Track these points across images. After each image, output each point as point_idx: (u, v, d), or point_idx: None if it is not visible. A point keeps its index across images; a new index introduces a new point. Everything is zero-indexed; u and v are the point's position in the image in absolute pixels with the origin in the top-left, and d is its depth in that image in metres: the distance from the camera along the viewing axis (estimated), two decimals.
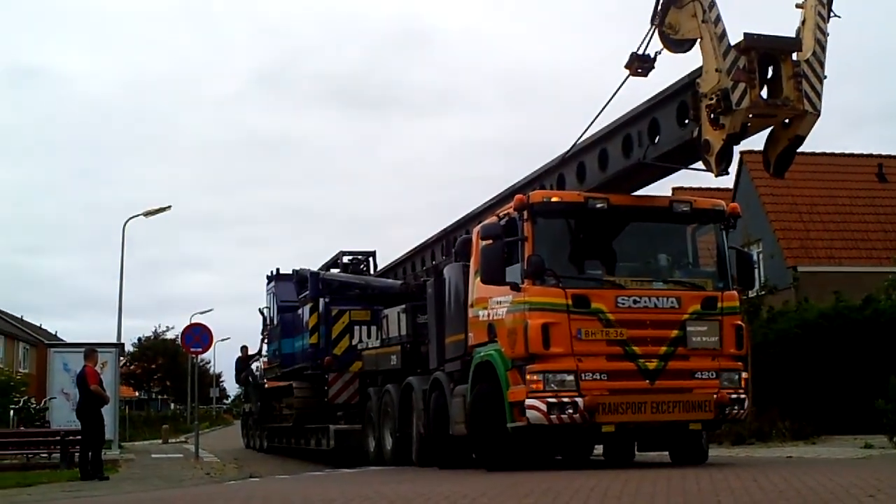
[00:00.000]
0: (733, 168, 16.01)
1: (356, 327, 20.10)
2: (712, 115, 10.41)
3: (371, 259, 23.16)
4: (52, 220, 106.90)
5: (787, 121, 10.82)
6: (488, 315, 11.98)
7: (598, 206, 11.42)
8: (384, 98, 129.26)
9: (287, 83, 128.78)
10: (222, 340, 50.35)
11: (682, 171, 12.15)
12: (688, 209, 11.91)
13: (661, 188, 13.56)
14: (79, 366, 16.06)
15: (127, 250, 30.63)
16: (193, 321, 32.57)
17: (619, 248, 11.98)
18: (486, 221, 12.56)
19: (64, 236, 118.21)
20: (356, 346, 19.66)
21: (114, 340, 28.09)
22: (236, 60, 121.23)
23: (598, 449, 14.44)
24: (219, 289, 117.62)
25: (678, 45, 11.19)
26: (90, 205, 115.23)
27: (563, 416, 10.64)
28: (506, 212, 11.93)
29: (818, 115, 10.60)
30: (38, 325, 60.96)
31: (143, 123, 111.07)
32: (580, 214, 11.57)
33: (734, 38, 10.37)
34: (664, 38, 11.28)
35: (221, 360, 76.00)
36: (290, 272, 24.33)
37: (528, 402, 10.75)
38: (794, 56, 10.53)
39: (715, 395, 11.16)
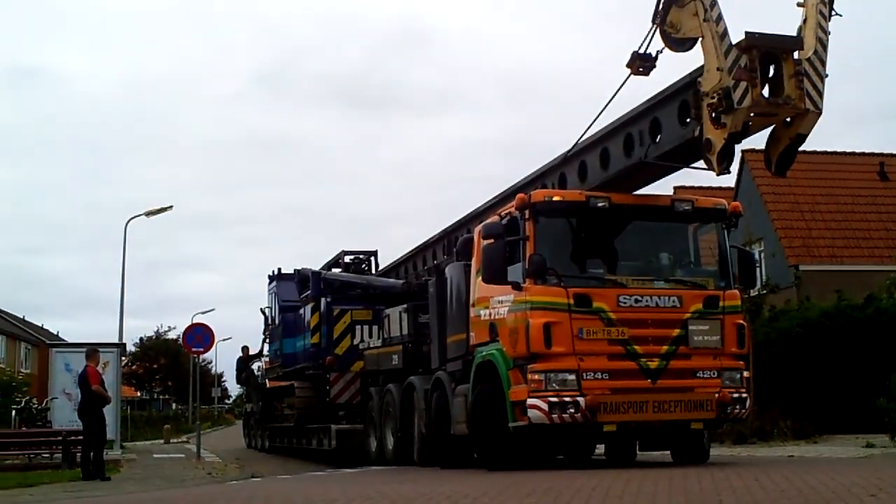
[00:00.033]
0: (735, 167, 16.04)
1: (358, 327, 20.11)
2: (714, 114, 10.40)
3: (372, 259, 23.16)
4: (52, 220, 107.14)
5: (788, 119, 10.80)
6: (490, 314, 11.97)
7: (600, 205, 11.42)
8: (384, 98, 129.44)
9: (287, 83, 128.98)
10: (224, 340, 50.52)
11: (684, 170, 12.15)
12: (689, 208, 11.91)
13: (662, 187, 13.56)
14: (80, 366, 16.07)
15: (128, 250, 30.53)
16: (195, 321, 32.63)
17: (620, 247, 11.97)
18: (487, 221, 12.55)
19: (64, 236, 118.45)
20: (358, 346, 19.66)
21: (115, 340, 28.12)
22: (236, 60, 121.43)
23: (600, 448, 14.43)
24: (219, 289, 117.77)
25: (679, 43, 11.18)
26: (90, 205, 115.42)
27: (564, 415, 10.64)
28: (507, 211, 11.92)
29: (820, 114, 10.59)
30: (40, 325, 61.04)
31: (143, 123, 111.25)
32: (582, 213, 11.57)
33: (735, 36, 10.36)
34: (665, 37, 11.27)
35: (223, 360, 75.97)
36: (292, 272, 24.37)
37: (530, 401, 10.75)
38: (796, 55, 10.52)
39: (716, 395, 11.15)
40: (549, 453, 13.81)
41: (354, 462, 17.29)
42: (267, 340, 27.03)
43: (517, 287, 11.22)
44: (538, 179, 13.95)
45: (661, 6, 11.17)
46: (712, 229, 12.14)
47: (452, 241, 16.14)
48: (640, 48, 11.43)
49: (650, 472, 9.93)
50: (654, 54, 11.45)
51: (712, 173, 10.83)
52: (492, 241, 11.50)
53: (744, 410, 11.53)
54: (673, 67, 11.33)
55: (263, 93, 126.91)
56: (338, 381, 19.82)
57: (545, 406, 10.65)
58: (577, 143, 12.80)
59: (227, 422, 69.68)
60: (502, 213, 12.12)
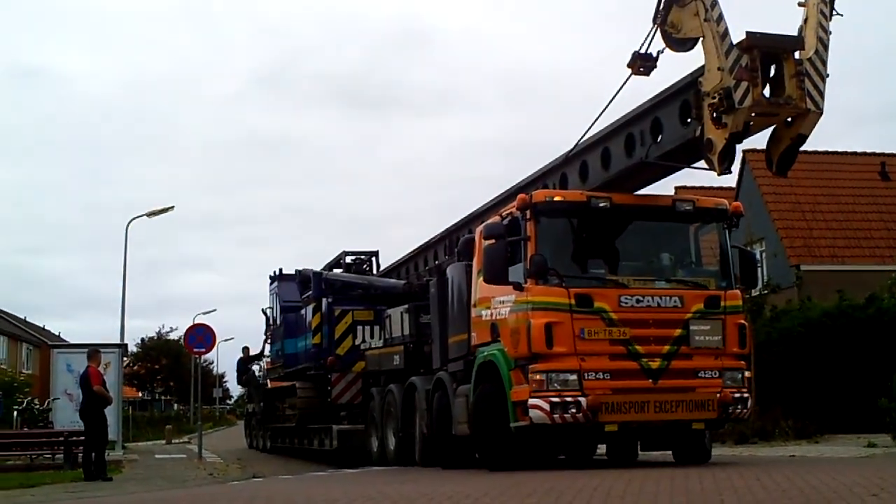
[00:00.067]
0: (736, 167, 16.05)
1: (359, 327, 20.11)
2: (715, 114, 10.40)
3: (374, 259, 23.16)
4: (52, 220, 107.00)
5: (789, 119, 10.81)
6: (491, 315, 11.98)
7: (601, 205, 11.43)
8: (384, 98, 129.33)
9: (287, 83, 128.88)
10: (225, 341, 50.63)
11: (685, 170, 12.16)
12: (690, 208, 11.91)
13: (663, 187, 13.59)
14: (82, 366, 16.07)
15: (128, 250, 30.47)
16: (196, 321, 32.65)
17: (622, 247, 11.98)
18: (488, 221, 12.56)
19: (64, 236, 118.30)
20: (359, 346, 19.66)
21: (116, 341, 28.13)
22: (236, 60, 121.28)
23: (602, 448, 14.44)
24: (220, 289, 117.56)
25: (680, 43, 11.19)
26: (90, 205, 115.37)
27: (566, 415, 10.65)
28: (508, 211, 11.92)
29: (821, 114, 10.60)
30: (42, 326, 61.09)
31: (143, 123, 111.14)
32: (583, 214, 11.57)
33: (736, 36, 10.37)
34: (666, 37, 11.28)
35: (224, 360, 75.76)
36: (293, 272, 24.38)
37: (532, 401, 10.75)
38: (797, 54, 10.53)
39: (718, 395, 11.15)
40: (551, 453, 13.82)
41: (356, 462, 17.29)
42: (268, 341, 27.05)
43: (518, 287, 11.22)
44: (539, 179, 13.96)
45: (661, 6, 11.18)
46: (713, 229, 12.14)
47: (454, 241, 16.15)
48: (640, 48, 11.44)
49: (652, 472, 9.94)
50: (654, 54, 11.46)
51: (713, 173, 10.86)
52: (493, 241, 11.50)
53: (745, 410, 11.53)
54: (674, 67, 11.36)
55: (263, 93, 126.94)
56: (339, 382, 19.82)
57: (547, 406, 10.65)
58: (578, 143, 12.81)
59: (229, 422, 69.67)
60: (503, 214, 12.12)
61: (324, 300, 20.69)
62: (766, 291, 21.29)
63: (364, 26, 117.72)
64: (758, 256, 21.76)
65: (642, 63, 11.45)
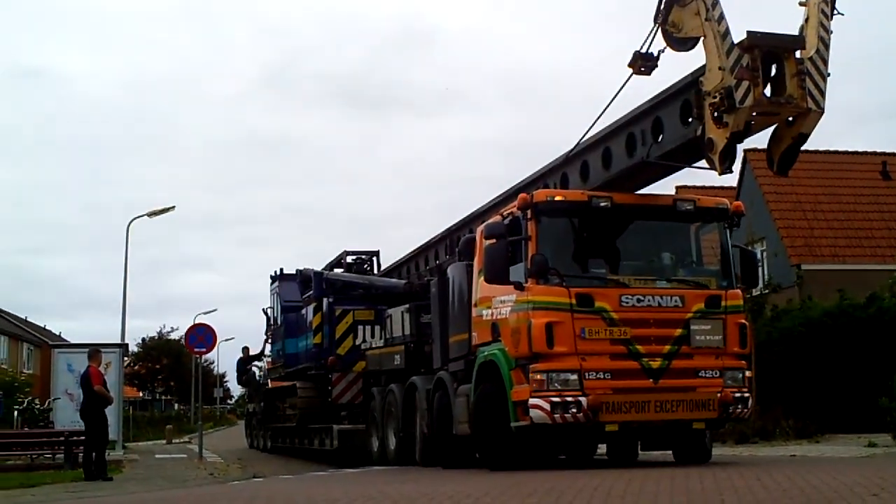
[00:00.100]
0: (737, 166, 16.09)
1: (360, 327, 20.11)
2: (716, 114, 10.39)
3: (375, 259, 23.18)
4: (52, 220, 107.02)
5: (790, 119, 10.80)
6: (492, 314, 11.97)
7: (602, 204, 11.42)
8: (384, 98, 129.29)
9: (287, 83, 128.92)
10: (226, 341, 50.63)
11: (686, 170, 12.14)
12: (691, 208, 11.91)
13: (664, 187, 13.56)
14: (83, 366, 16.07)
15: (129, 250, 30.47)
16: (197, 321, 32.65)
17: (622, 246, 11.97)
18: (489, 220, 12.55)
19: (65, 236, 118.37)
20: (360, 346, 19.67)
21: (117, 340, 28.13)
22: (237, 60, 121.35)
23: (602, 448, 14.43)
24: (220, 289, 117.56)
25: (681, 43, 11.18)
26: (91, 205, 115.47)
27: (566, 415, 10.64)
28: (509, 211, 11.92)
29: (822, 113, 10.59)
30: (43, 325, 61.12)
31: (143, 123, 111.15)
32: (584, 213, 11.57)
33: (737, 36, 10.37)
34: (667, 37, 11.27)
35: (225, 360, 75.80)
36: (294, 272, 24.38)
37: (532, 401, 10.75)
38: (798, 54, 10.51)
39: (718, 394, 11.14)
40: (551, 453, 13.81)
41: (356, 462, 17.29)
42: (269, 341, 27.06)
43: (519, 287, 11.21)
44: (540, 179, 13.95)
45: (662, 6, 11.17)
46: (714, 229, 12.14)
47: (454, 241, 16.15)
48: (641, 48, 11.43)
49: (652, 471, 9.93)
50: (655, 54, 11.44)
51: (714, 173, 10.85)
52: (494, 240, 11.49)
53: (746, 410, 11.52)
54: (675, 67, 11.35)
55: (264, 93, 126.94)
56: (340, 382, 19.82)
57: (547, 406, 10.64)
58: (579, 142, 12.80)
59: (229, 422, 69.72)
60: (504, 213, 12.12)
61: (325, 300, 20.69)
62: (766, 291, 21.29)
63: (364, 26, 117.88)
64: (759, 256, 21.74)
65: (643, 63, 11.44)
